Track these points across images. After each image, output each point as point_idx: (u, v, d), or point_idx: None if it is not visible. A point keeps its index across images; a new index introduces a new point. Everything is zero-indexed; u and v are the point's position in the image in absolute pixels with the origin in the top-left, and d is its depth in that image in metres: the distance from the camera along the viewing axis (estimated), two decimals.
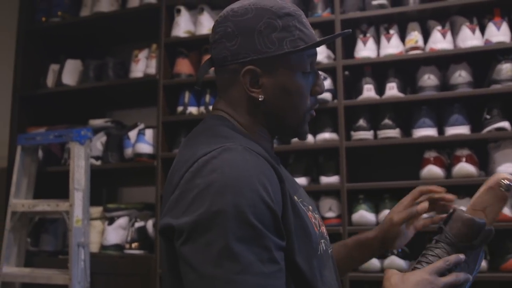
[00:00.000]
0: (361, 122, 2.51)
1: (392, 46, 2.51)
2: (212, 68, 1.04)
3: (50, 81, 3.21)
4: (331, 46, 2.64)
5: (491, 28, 2.39)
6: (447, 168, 2.42)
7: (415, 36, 2.52)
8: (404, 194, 2.48)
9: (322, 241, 1.00)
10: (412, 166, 2.49)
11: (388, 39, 2.52)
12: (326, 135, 2.53)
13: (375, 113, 2.55)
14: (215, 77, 1.04)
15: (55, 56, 3.26)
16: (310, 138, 2.54)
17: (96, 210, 2.93)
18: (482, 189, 1.09)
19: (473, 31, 2.40)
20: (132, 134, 2.95)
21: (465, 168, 2.32)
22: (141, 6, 2.99)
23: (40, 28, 3.24)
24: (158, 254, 2.65)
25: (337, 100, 2.52)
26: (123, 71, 3.14)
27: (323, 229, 1.05)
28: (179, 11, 2.87)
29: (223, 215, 0.80)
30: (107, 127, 3.11)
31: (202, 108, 2.80)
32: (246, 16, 0.96)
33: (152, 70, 2.93)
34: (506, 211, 2.23)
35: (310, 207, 1.03)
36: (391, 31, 2.55)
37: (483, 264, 2.23)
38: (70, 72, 3.17)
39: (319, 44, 0.99)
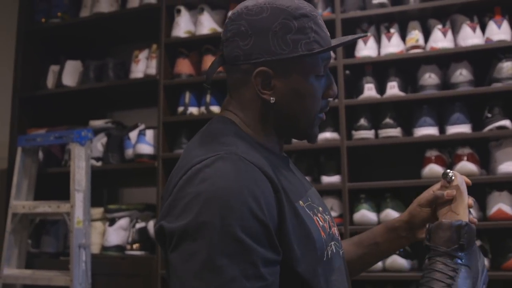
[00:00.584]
0: (362, 121, 2.51)
1: (393, 45, 2.51)
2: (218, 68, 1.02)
3: (50, 82, 3.20)
4: None
5: (491, 26, 2.38)
6: (449, 167, 2.41)
7: (415, 35, 2.51)
8: (405, 193, 2.49)
9: (332, 243, 0.98)
10: (414, 165, 2.48)
11: (389, 38, 2.52)
12: (327, 135, 2.53)
13: (376, 112, 2.54)
14: (226, 75, 1.02)
15: (55, 57, 3.25)
16: None
17: (97, 211, 2.93)
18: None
19: (474, 30, 2.40)
20: (133, 134, 2.94)
21: (466, 166, 2.32)
22: (141, 7, 2.98)
23: (40, 29, 3.24)
24: (159, 255, 2.65)
25: (338, 100, 2.51)
26: (123, 71, 3.13)
27: (334, 230, 1.03)
28: (179, 11, 2.87)
29: (208, 227, 0.79)
30: (107, 128, 3.10)
31: (202, 109, 2.79)
32: (261, 16, 0.94)
33: (153, 70, 2.92)
34: (506, 208, 2.22)
35: (320, 208, 1.01)
36: (392, 30, 2.55)
37: (485, 263, 2.23)
38: (70, 73, 3.16)
39: (334, 48, 0.97)
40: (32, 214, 2.76)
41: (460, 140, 2.39)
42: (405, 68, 2.55)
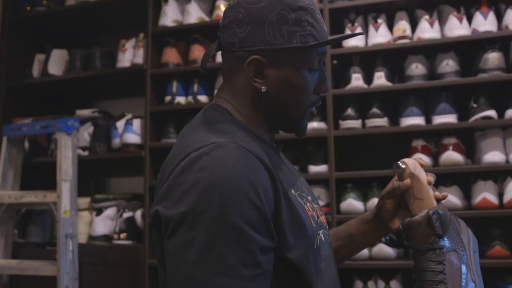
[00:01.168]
0: (349, 111, 2.52)
1: (380, 35, 2.52)
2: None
3: (36, 71, 3.17)
4: None
5: (478, 17, 2.40)
6: (435, 156, 2.44)
7: (403, 25, 2.52)
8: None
9: (321, 231, 0.99)
10: (400, 155, 2.44)
11: (376, 28, 2.53)
12: (315, 124, 2.53)
13: (363, 102, 2.56)
14: (221, 61, 1.02)
15: (40, 46, 3.22)
16: None
17: (84, 201, 2.92)
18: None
19: (460, 21, 2.42)
20: (120, 124, 2.93)
21: (452, 156, 2.34)
22: None
23: (25, 17, 3.20)
24: (146, 244, 2.65)
25: None
26: (110, 60, 3.11)
27: (323, 219, 1.04)
28: (166, 0, 2.85)
29: (207, 215, 0.80)
30: (94, 117, 3.09)
31: (190, 98, 2.78)
32: (259, 4, 0.94)
33: (140, 59, 2.91)
34: (491, 198, 2.25)
35: (309, 197, 1.02)
36: (379, 20, 2.56)
37: None
38: (56, 62, 3.13)
39: (328, 43, 0.98)
40: (18, 204, 2.74)
41: (446, 130, 2.41)
42: (392, 58, 2.57)
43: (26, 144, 2.99)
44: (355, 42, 2.53)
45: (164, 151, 0.97)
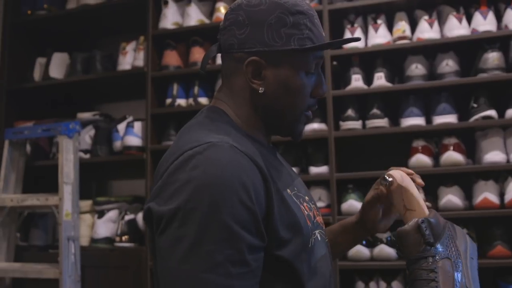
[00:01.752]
0: (350, 112, 2.52)
1: (380, 36, 2.52)
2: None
3: (37, 74, 3.18)
4: None
5: (477, 17, 2.40)
6: (435, 156, 2.44)
7: (402, 26, 2.53)
8: None
9: (317, 231, 1.00)
10: (401, 155, 2.50)
11: (376, 29, 2.53)
12: (315, 126, 2.54)
13: (363, 103, 2.56)
14: (221, 64, 1.05)
15: (41, 49, 3.23)
16: None
17: (86, 204, 2.92)
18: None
19: (460, 21, 2.42)
20: (121, 127, 2.94)
21: (453, 156, 2.34)
22: None
23: (26, 21, 3.21)
24: (148, 246, 2.65)
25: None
26: (111, 63, 3.12)
27: (319, 219, 1.05)
28: (166, 2, 2.86)
29: (197, 213, 0.81)
30: (95, 120, 3.10)
31: (190, 100, 2.79)
32: (259, 8, 0.97)
33: (140, 62, 2.92)
34: (492, 197, 2.25)
35: (306, 197, 1.04)
36: (379, 21, 2.56)
37: None
38: (57, 65, 3.14)
39: (325, 46, 1.00)
40: (21, 207, 2.74)
41: (447, 130, 2.42)
42: (392, 59, 2.57)
43: (28, 148, 3.00)
44: (355, 43, 2.53)
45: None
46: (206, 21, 2.87)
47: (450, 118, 2.39)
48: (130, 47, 3.02)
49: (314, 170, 2.53)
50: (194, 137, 0.91)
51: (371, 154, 2.70)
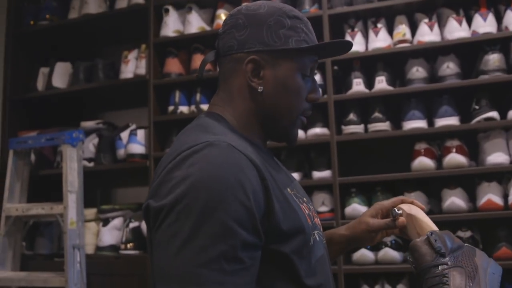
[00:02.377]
0: (351, 116, 2.53)
1: (380, 40, 2.53)
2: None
3: (40, 84, 3.20)
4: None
5: (477, 19, 2.41)
6: (438, 159, 2.44)
7: (402, 29, 2.53)
8: (396, 186, 2.51)
9: (316, 232, 1.01)
10: (403, 158, 2.51)
11: (376, 33, 2.54)
12: (317, 130, 2.54)
13: (365, 107, 2.56)
14: (218, 69, 1.07)
15: (44, 59, 3.25)
16: (301, 133, 2.55)
17: (91, 212, 2.93)
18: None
19: (460, 23, 2.42)
20: (124, 135, 2.95)
21: (455, 158, 2.34)
22: (129, 7, 2.99)
23: (29, 31, 3.24)
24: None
25: (327, 95, 2.53)
26: (113, 72, 3.14)
27: (317, 220, 1.07)
28: (167, 10, 2.87)
29: (192, 208, 0.82)
30: (98, 128, 3.11)
31: (193, 107, 2.80)
32: (258, 11, 1.01)
33: (142, 70, 2.93)
34: (496, 199, 2.25)
35: (305, 199, 1.06)
36: (379, 25, 2.57)
37: None
38: (60, 75, 3.16)
39: (322, 46, 1.03)
40: (26, 217, 2.76)
41: (449, 133, 2.42)
42: (393, 62, 2.58)
43: (32, 157, 3.01)
44: (355, 47, 2.54)
45: None
46: (207, 28, 2.88)
47: (452, 121, 2.39)
48: (132, 55, 3.04)
49: (317, 174, 2.53)
50: (192, 138, 0.92)
51: (374, 158, 2.71)
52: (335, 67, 2.63)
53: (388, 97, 2.52)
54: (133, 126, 2.98)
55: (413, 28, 2.56)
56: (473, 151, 2.44)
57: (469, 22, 2.44)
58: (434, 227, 1.07)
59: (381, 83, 2.50)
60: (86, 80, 3.11)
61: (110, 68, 3.13)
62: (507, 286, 2.20)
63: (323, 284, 0.98)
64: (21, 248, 2.86)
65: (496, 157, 2.30)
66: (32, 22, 3.22)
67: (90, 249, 2.84)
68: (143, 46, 2.99)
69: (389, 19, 2.62)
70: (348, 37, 2.57)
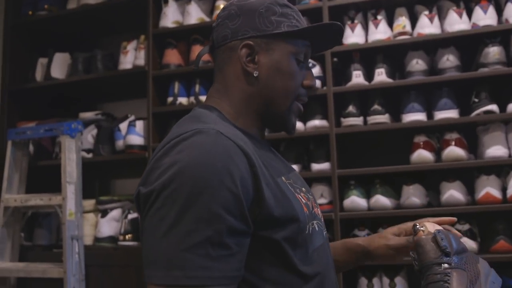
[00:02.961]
0: (351, 108, 2.52)
1: (380, 32, 2.52)
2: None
3: (39, 75, 3.19)
4: None
5: (478, 11, 2.39)
6: (437, 152, 2.44)
7: (402, 21, 2.52)
8: (394, 179, 2.51)
9: (315, 222, 1.01)
10: (402, 151, 2.50)
11: (376, 25, 2.53)
12: (316, 122, 2.54)
13: (364, 99, 2.56)
14: (213, 62, 1.08)
15: (43, 50, 3.24)
16: (300, 125, 2.55)
17: (89, 203, 2.93)
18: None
19: (460, 15, 2.41)
20: (123, 126, 2.94)
21: (454, 151, 2.34)
22: None
23: (27, 22, 3.22)
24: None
25: (326, 87, 2.53)
26: (112, 63, 3.13)
27: (317, 210, 1.07)
28: (166, 1, 2.86)
29: (179, 193, 0.82)
30: (97, 119, 3.11)
31: (192, 98, 2.80)
32: (250, 1, 1.04)
33: (141, 61, 2.92)
34: (494, 192, 2.25)
35: (304, 189, 1.06)
36: (379, 17, 2.56)
37: (473, 246, 2.26)
38: (59, 66, 3.15)
39: (314, 28, 1.03)
40: (24, 207, 2.76)
41: (448, 125, 2.41)
42: (393, 54, 2.57)
43: (31, 148, 3.01)
44: (355, 39, 2.53)
45: None
46: (207, 19, 2.87)
47: (452, 113, 2.38)
48: (131, 46, 3.03)
49: (315, 166, 2.53)
50: (183, 128, 0.93)
51: (373, 150, 2.71)
52: (335, 59, 2.63)
53: (387, 89, 2.51)
54: (132, 117, 2.97)
55: (413, 20, 2.55)
56: (472, 144, 2.44)
57: (470, 15, 2.43)
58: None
59: (380, 76, 2.49)
60: (85, 71, 3.10)
61: (109, 59, 3.13)
62: (506, 280, 2.21)
63: (321, 273, 0.98)
64: (20, 239, 2.87)
65: (495, 150, 2.30)
66: (30, 13, 3.21)
67: (88, 240, 2.84)
68: (142, 37, 2.97)
69: (389, 11, 2.61)
70: (348, 29, 2.56)
